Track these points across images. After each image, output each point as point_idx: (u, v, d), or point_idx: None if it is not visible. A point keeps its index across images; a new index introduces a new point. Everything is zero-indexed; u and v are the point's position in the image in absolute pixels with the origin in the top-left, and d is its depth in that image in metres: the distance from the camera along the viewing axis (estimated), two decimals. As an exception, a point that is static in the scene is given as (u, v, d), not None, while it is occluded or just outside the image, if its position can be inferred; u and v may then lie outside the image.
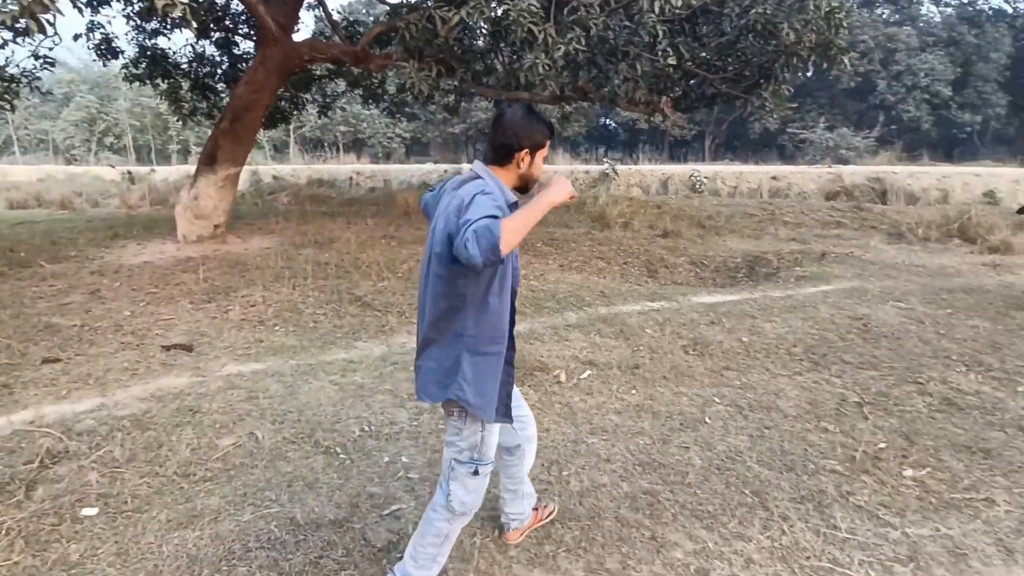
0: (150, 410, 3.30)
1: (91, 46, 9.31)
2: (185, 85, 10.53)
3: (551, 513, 2.36)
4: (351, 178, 17.92)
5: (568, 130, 33.18)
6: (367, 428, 3.17)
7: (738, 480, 2.61)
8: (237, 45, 10.59)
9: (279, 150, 36.26)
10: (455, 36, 7.15)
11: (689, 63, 6.67)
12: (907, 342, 4.40)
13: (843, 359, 4.10)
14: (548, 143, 1.78)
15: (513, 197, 1.74)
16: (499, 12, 5.76)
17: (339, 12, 16.43)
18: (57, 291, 5.63)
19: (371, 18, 15.07)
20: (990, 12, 32.12)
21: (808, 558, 2.09)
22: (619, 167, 16.54)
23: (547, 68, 5.78)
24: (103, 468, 2.71)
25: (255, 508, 2.44)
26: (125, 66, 9.88)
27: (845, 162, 21.45)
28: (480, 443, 1.79)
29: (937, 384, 3.66)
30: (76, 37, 9.17)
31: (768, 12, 5.72)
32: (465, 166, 18.85)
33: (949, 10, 32.96)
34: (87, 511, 2.40)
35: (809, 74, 35.06)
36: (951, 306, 5.25)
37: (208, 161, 7.70)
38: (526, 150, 1.74)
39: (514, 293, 1.80)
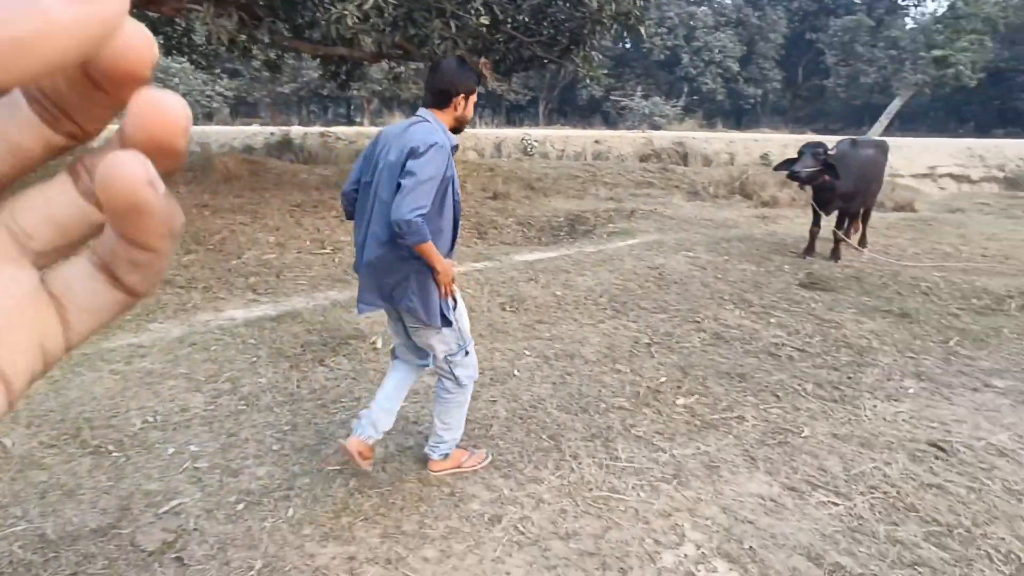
0: None
1: None
2: None
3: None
4: (158, 141, 15.59)
5: (406, 92, 32.11)
6: (151, 419, 2.82)
7: (538, 427, 2.77)
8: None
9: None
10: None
11: (506, 25, 6.72)
12: (691, 286, 5.00)
13: (640, 305, 4.54)
14: (476, 89, 2.15)
15: (455, 141, 2.07)
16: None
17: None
18: None
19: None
20: (770, -4, 36.95)
21: (591, 490, 2.30)
22: (456, 130, 16.41)
23: (357, 20, 5.45)
24: None
25: (-11, 530, 2.05)
26: None
27: (658, 128, 23.60)
28: (458, 332, 2.22)
29: (711, 321, 4.22)
30: None
31: (573, -22, 5.94)
32: (295, 128, 17.38)
33: (738, -8, 37.27)
34: None
35: (627, 45, 37.79)
36: (728, 253, 6.07)
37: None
38: (462, 95, 2.10)
39: (456, 222, 2.17)
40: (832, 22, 31.43)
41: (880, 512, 2.19)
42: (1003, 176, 14.07)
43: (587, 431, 2.75)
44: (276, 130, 17.26)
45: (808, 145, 5.47)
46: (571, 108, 36.72)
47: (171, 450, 2.58)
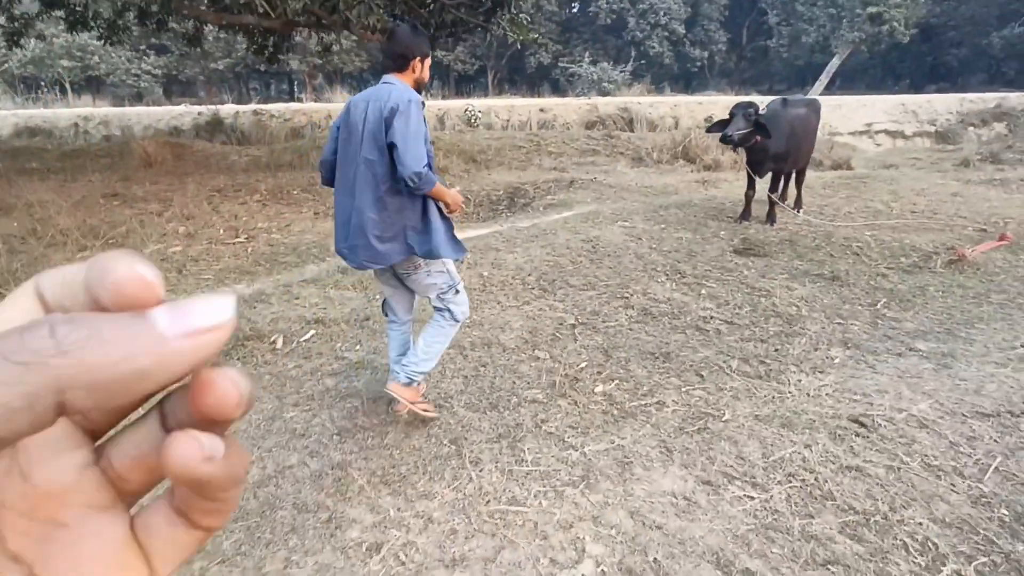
0: None
1: None
2: None
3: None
4: (76, 125, 14.42)
5: (349, 65, 30.61)
6: None
7: (440, 430, 2.52)
8: None
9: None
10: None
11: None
12: (625, 259, 4.80)
13: (568, 283, 4.32)
14: (430, 53, 2.28)
15: (422, 99, 2.19)
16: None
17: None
18: None
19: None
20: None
21: (488, 503, 2.07)
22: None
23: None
24: None
25: None
26: None
27: (607, 94, 23.26)
28: (447, 272, 2.39)
29: (639, 296, 4.03)
30: None
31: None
32: (227, 107, 16.35)
33: (681, -49, 36.80)
34: None
35: (575, 9, 37.03)
36: (665, 221, 5.90)
37: None
38: (418, 58, 2.24)
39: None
40: (773, -20, 31.44)
41: (796, 503, 2.04)
42: (934, 131, 14.39)
43: (494, 431, 2.52)
44: (205, 109, 16.16)
45: (739, 106, 5.29)
46: (520, 77, 35.92)
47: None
